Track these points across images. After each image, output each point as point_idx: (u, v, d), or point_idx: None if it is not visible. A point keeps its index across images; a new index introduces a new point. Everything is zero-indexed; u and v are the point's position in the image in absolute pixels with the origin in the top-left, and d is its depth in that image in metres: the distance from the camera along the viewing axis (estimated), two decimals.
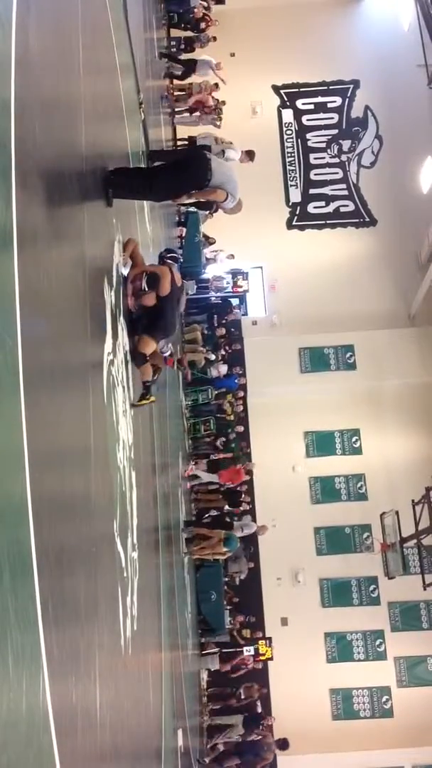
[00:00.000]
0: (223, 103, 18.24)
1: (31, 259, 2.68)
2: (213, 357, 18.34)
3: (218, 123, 18.05)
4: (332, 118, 23.58)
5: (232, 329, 20.54)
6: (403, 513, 17.63)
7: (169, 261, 6.21)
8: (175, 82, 18.67)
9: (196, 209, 17.66)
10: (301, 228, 22.84)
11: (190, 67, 18.05)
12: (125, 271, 5.98)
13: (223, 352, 19.26)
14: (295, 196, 23.11)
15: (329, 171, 23.29)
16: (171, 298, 6.25)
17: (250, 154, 14.65)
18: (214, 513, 16.86)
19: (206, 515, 16.65)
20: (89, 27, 4.75)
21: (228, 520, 16.13)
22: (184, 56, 19.07)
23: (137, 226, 7.56)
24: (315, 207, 23.02)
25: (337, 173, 23.26)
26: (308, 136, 23.50)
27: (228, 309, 19.97)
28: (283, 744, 15.87)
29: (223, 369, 18.77)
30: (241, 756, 15.48)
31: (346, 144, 23.35)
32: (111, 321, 4.98)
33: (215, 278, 20.42)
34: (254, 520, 18.24)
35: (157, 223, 11.53)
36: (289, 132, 23.50)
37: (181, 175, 6.39)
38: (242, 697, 16.94)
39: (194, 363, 17.62)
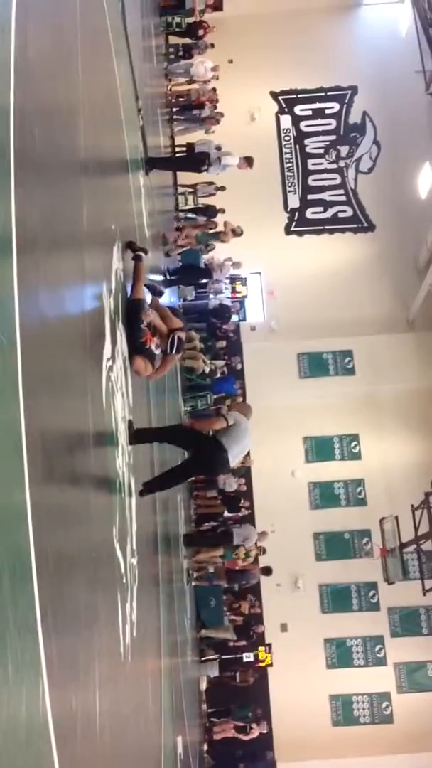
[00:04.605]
0: (222, 115, 18.30)
1: (30, 264, 2.68)
2: (214, 365, 18.33)
3: (212, 129, 18.07)
4: (330, 123, 23.63)
5: (232, 335, 20.49)
6: (403, 518, 17.62)
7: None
8: (174, 88, 18.73)
9: (195, 215, 17.71)
10: (300, 233, 22.87)
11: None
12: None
13: (222, 362, 19.25)
14: (294, 201, 23.14)
15: (327, 177, 23.32)
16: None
17: (248, 161, 14.67)
18: (213, 524, 16.90)
19: (205, 524, 16.68)
20: (88, 34, 4.76)
21: (227, 528, 16.17)
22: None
23: (136, 231, 7.57)
24: (313, 212, 23.05)
25: (335, 179, 23.30)
26: (306, 142, 23.55)
27: (226, 314, 19.92)
28: (266, 570, 16.73)
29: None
30: (230, 582, 16.36)
31: (344, 150, 23.39)
32: (110, 327, 4.98)
33: (213, 281, 20.37)
34: (253, 525, 18.22)
35: (156, 228, 11.55)
36: (287, 138, 23.54)
37: (200, 467, 7.90)
38: (238, 680, 17.12)
39: (193, 369, 17.60)
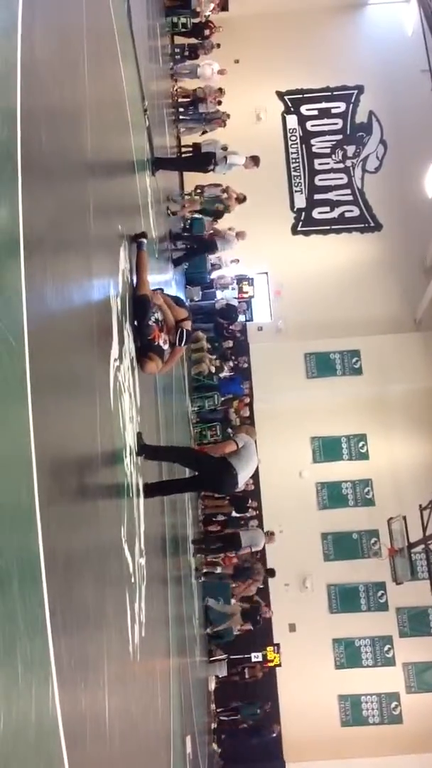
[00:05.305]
0: (228, 116, 18.30)
1: (37, 266, 2.68)
2: (222, 367, 18.34)
3: (208, 129, 18.05)
4: (336, 123, 23.61)
5: (239, 335, 20.52)
6: (411, 518, 17.59)
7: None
8: (179, 90, 18.72)
9: (201, 215, 17.71)
10: (306, 233, 22.85)
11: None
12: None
13: (230, 364, 19.28)
14: (300, 201, 23.13)
15: (334, 176, 23.31)
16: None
17: (255, 160, 14.69)
18: (222, 518, 16.90)
19: (214, 519, 16.68)
20: (94, 35, 4.77)
21: (236, 529, 16.19)
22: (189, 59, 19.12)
23: (142, 230, 7.56)
24: (320, 212, 23.04)
25: (341, 178, 23.28)
26: (313, 141, 23.53)
27: (233, 314, 19.92)
28: (271, 572, 16.80)
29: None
30: (236, 578, 16.35)
31: (350, 149, 23.37)
32: (117, 327, 4.99)
33: (219, 277, 20.35)
34: (261, 526, 18.22)
35: (162, 229, 11.56)
36: (293, 138, 23.53)
37: (210, 486, 8.42)
38: (247, 676, 17.10)
39: (200, 371, 17.63)
